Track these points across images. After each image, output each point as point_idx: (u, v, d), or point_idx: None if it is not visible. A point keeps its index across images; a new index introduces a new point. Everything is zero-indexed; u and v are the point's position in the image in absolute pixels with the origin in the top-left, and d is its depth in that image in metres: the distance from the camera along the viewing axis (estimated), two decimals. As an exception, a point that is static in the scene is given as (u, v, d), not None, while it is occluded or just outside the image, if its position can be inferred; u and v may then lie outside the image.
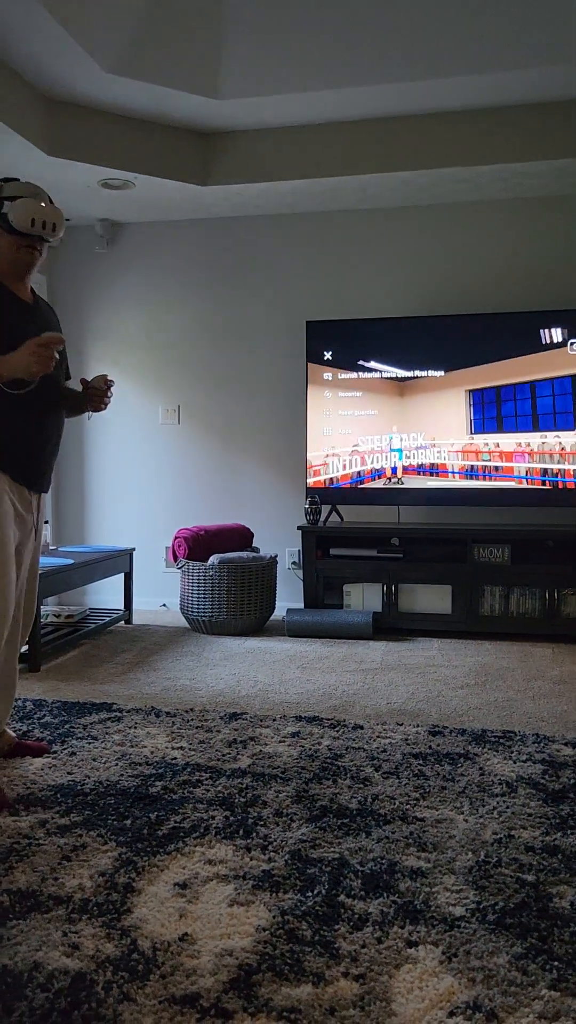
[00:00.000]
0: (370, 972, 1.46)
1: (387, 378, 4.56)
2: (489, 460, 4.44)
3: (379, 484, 4.58)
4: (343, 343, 4.61)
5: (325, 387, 4.64)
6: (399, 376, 4.55)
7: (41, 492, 2.41)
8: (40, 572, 3.63)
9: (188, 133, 4.34)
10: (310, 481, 4.66)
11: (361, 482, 4.60)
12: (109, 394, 2.46)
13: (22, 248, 2.24)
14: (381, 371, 4.57)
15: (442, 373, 4.49)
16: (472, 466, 4.46)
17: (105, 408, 2.48)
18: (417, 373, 4.52)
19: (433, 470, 4.51)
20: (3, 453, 2.24)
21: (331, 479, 4.64)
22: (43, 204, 2.22)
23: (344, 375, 4.62)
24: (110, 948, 1.52)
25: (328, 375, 4.64)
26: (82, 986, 1.41)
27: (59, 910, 1.65)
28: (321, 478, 4.65)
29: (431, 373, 4.51)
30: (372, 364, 4.58)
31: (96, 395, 2.44)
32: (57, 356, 2.19)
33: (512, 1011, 1.35)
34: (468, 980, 1.43)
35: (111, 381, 2.46)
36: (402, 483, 4.54)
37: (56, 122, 3.98)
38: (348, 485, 4.62)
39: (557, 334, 4.34)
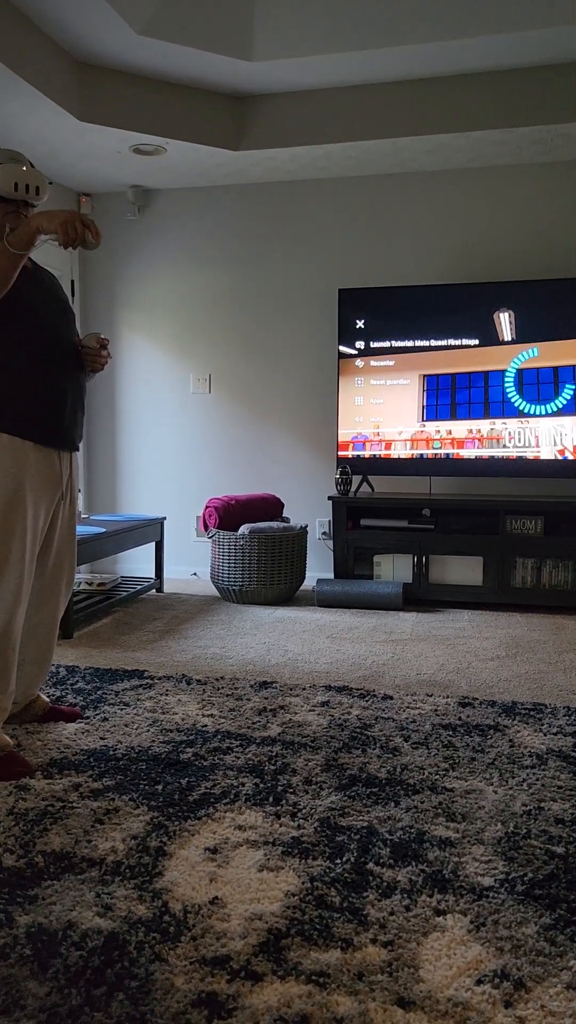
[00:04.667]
0: (398, 939, 1.47)
1: (420, 347, 4.50)
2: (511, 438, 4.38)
3: (410, 453, 4.54)
4: (376, 311, 4.56)
5: (357, 356, 4.60)
6: (432, 345, 4.49)
7: (71, 450, 2.39)
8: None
9: (221, 97, 4.28)
10: (341, 450, 4.64)
11: (392, 452, 4.56)
12: (104, 353, 2.43)
13: (8, 214, 2.23)
14: (414, 340, 4.51)
15: (476, 342, 4.42)
16: (496, 440, 4.41)
17: (102, 368, 2.45)
18: (451, 342, 4.46)
19: (455, 442, 4.47)
20: (24, 415, 2.22)
21: (362, 448, 4.61)
22: (25, 168, 2.21)
23: (376, 343, 4.56)
24: (142, 910, 1.55)
25: (360, 343, 4.59)
26: (115, 945, 1.44)
27: (92, 872, 1.68)
28: (352, 447, 4.62)
29: (465, 342, 4.44)
30: (405, 332, 4.52)
31: (89, 355, 2.42)
32: (92, 241, 2.16)
33: (540, 981, 1.36)
34: (496, 949, 1.44)
35: (105, 339, 2.42)
36: (435, 451, 4.50)
37: (87, 86, 3.94)
38: (379, 455, 4.59)
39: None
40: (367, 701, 2.79)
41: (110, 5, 3.35)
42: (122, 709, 2.68)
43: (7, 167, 2.18)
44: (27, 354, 2.23)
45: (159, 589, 4.76)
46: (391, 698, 2.82)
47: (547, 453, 4.35)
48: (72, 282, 5.19)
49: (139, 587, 4.49)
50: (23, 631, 2.42)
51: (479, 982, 1.36)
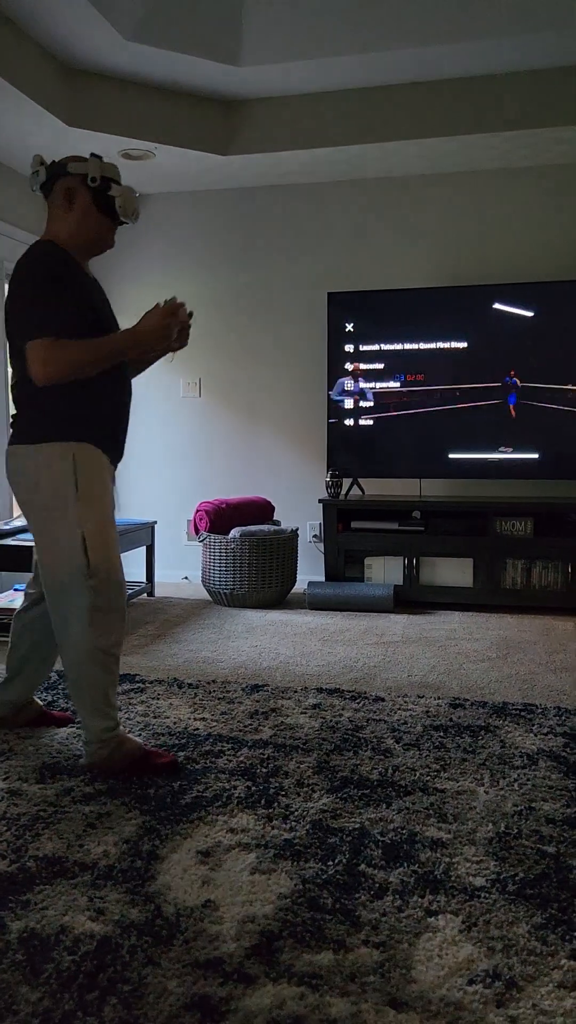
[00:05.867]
0: (390, 940, 1.47)
1: (409, 350, 4.52)
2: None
3: (399, 455, 4.56)
4: (365, 314, 4.57)
5: (346, 359, 4.61)
6: (422, 348, 4.50)
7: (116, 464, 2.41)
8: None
9: (209, 102, 4.29)
10: (331, 449, 4.64)
11: (385, 453, 4.58)
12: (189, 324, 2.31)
13: (110, 232, 2.29)
14: (404, 343, 4.52)
15: (464, 345, 4.44)
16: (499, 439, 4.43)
17: (185, 343, 2.31)
18: (440, 345, 4.48)
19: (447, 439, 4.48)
20: (99, 431, 2.22)
21: (351, 450, 4.62)
22: (137, 195, 2.32)
23: (366, 347, 4.58)
24: (135, 913, 1.55)
25: (349, 347, 4.60)
26: (107, 950, 1.44)
27: (85, 876, 1.68)
28: (341, 448, 4.63)
29: (454, 345, 4.46)
30: (394, 335, 4.53)
31: (184, 331, 2.27)
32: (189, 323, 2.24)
33: (531, 980, 1.37)
34: (488, 949, 1.45)
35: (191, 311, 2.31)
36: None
37: (75, 91, 3.94)
38: (370, 456, 4.60)
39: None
40: (359, 703, 2.79)
41: (98, 11, 3.35)
42: (114, 713, 2.68)
43: (132, 196, 2.25)
44: (105, 376, 2.22)
45: (150, 593, 4.76)
46: (382, 700, 2.83)
47: (537, 455, 4.36)
48: (61, 286, 5.18)
49: (130, 591, 4.49)
50: (39, 630, 2.44)
51: (471, 982, 1.36)
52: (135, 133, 4.10)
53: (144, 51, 3.71)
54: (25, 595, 2.47)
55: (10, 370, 2.26)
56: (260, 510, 4.72)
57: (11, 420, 2.24)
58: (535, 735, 2.49)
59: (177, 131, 4.21)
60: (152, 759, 2.20)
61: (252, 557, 4.34)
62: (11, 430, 2.24)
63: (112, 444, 2.28)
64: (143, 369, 2.49)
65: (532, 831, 1.88)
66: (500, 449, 4.40)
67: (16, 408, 2.22)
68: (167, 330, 2.17)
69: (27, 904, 1.58)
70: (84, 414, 2.18)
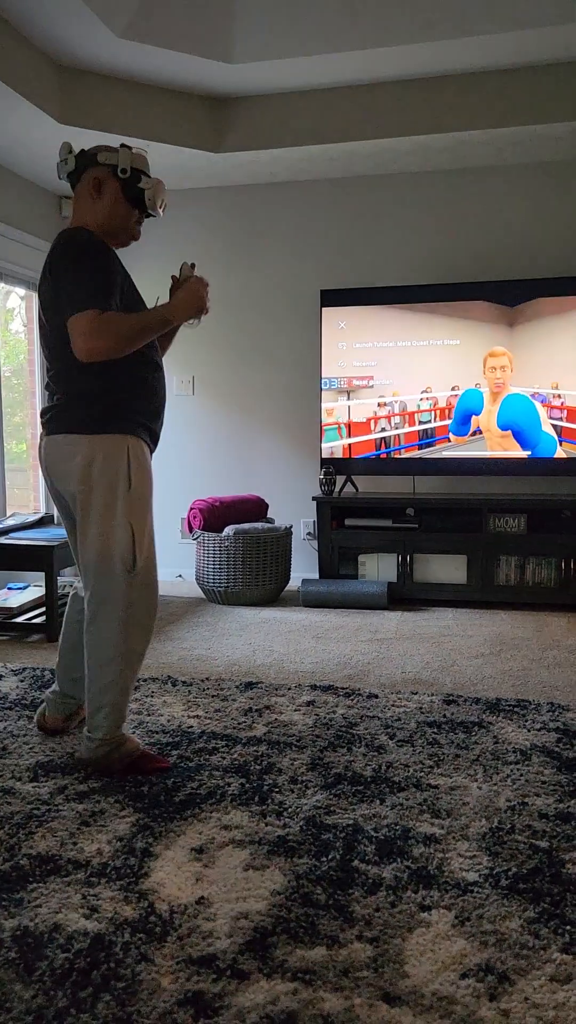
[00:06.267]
0: (383, 935, 1.48)
1: (401, 347, 4.52)
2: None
3: (393, 452, 4.56)
4: (358, 311, 4.56)
5: (340, 356, 4.61)
6: (414, 345, 4.50)
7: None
8: (57, 543, 3.67)
9: (201, 99, 4.28)
10: (325, 448, 4.64)
11: (378, 450, 4.58)
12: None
13: (136, 223, 2.27)
14: (396, 341, 4.52)
15: (458, 342, 4.44)
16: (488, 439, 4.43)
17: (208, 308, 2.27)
18: (433, 342, 4.48)
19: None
20: (150, 423, 2.20)
21: (346, 449, 4.62)
22: (164, 186, 2.29)
23: (360, 344, 4.58)
24: (128, 911, 1.55)
25: (343, 344, 4.60)
26: (101, 947, 1.44)
27: (78, 874, 1.68)
28: (336, 447, 4.63)
29: (448, 342, 4.46)
30: (388, 333, 4.53)
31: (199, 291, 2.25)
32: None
33: (524, 973, 1.37)
34: (480, 943, 1.45)
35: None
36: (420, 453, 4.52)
37: (67, 89, 3.93)
38: (364, 456, 4.60)
39: None
40: (352, 700, 2.80)
41: (90, 8, 3.34)
42: (107, 711, 2.67)
43: (161, 189, 2.23)
44: (144, 367, 2.19)
45: (144, 591, 4.75)
46: (376, 697, 2.83)
47: (529, 452, 4.37)
48: (54, 285, 5.17)
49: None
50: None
51: (464, 976, 1.37)
52: (127, 131, 4.09)
53: (136, 48, 3.70)
54: (74, 598, 2.42)
55: (46, 361, 2.23)
56: (254, 508, 4.72)
57: (53, 408, 2.18)
58: (528, 731, 2.50)
59: (169, 129, 4.20)
60: (149, 763, 2.20)
61: (246, 555, 4.34)
62: (54, 418, 2.18)
63: (154, 437, 2.27)
64: (167, 346, 2.47)
65: (525, 826, 1.88)
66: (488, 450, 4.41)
67: (66, 397, 2.15)
68: (200, 294, 2.19)
69: (20, 902, 1.58)
70: (136, 406, 2.17)
